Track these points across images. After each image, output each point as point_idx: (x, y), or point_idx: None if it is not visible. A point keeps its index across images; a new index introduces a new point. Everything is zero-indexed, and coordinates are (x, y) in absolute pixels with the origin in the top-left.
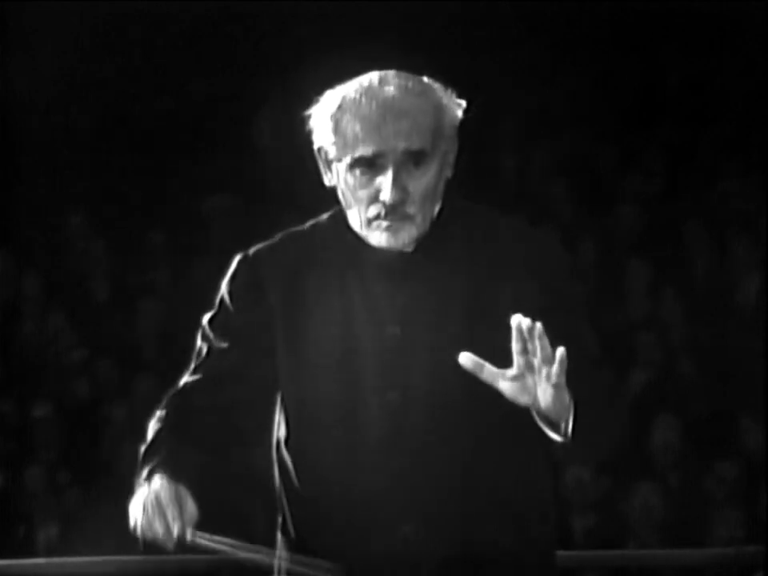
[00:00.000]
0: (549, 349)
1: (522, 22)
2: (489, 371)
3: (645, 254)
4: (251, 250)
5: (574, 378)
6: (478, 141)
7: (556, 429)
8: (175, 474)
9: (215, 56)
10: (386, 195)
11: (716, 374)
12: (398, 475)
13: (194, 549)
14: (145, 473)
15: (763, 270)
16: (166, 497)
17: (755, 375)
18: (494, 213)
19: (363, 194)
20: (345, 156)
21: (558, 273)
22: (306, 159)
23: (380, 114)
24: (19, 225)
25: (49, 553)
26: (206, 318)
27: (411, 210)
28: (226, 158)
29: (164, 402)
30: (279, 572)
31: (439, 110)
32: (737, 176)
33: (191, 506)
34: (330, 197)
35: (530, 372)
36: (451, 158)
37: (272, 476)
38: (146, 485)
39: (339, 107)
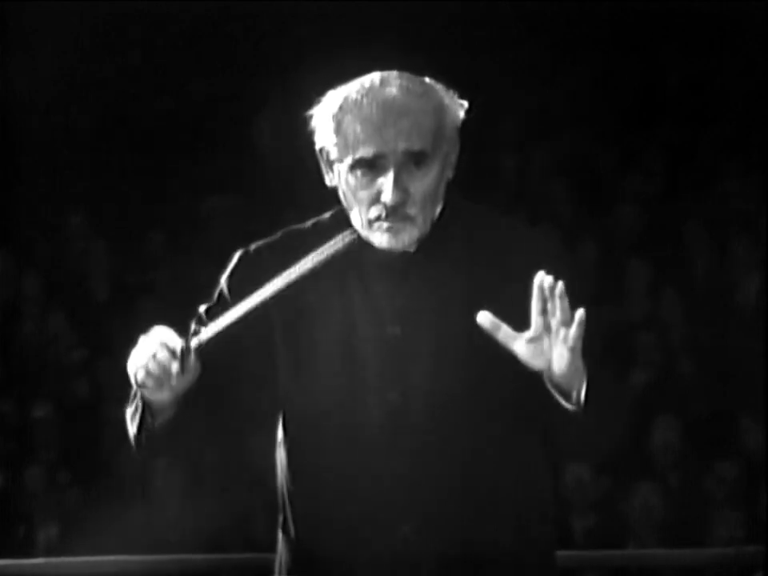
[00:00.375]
0: (568, 310)
1: (521, 22)
2: (505, 332)
3: (645, 253)
4: (252, 246)
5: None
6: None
7: (568, 397)
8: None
9: (215, 56)
10: (387, 197)
11: (716, 374)
12: (398, 475)
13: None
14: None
15: (763, 270)
16: (159, 331)
17: (755, 375)
18: (494, 213)
19: (364, 195)
20: (346, 157)
21: (558, 273)
22: (306, 159)
23: (381, 116)
24: (19, 225)
25: (49, 553)
26: (202, 307)
27: (412, 211)
28: (226, 158)
29: None
30: (280, 572)
31: (440, 110)
32: (737, 176)
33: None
34: (330, 197)
35: (547, 334)
36: (453, 158)
37: (272, 475)
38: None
39: (341, 108)
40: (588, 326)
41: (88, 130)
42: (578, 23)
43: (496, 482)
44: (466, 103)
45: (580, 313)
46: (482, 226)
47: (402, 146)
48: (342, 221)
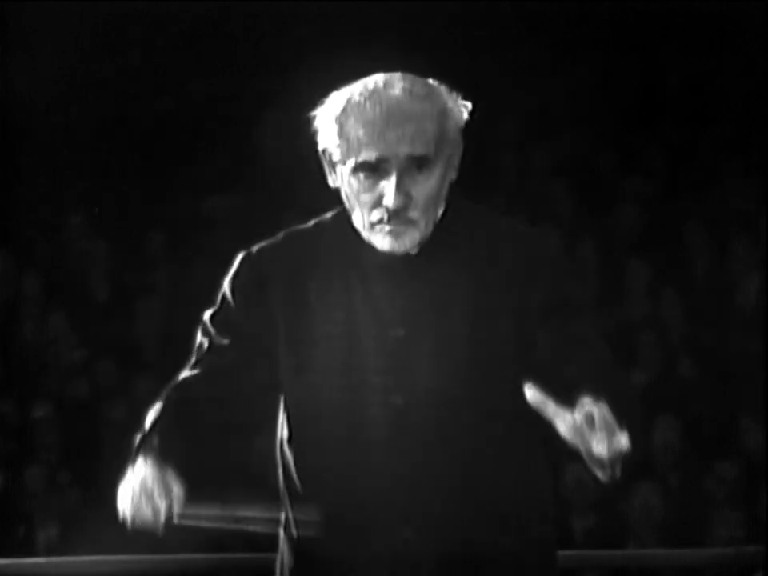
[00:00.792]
0: (614, 426)
1: (521, 22)
2: (553, 409)
3: (645, 254)
4: (254, 248)
5: (586, 379)
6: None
7: (603, 471)
8: (164, 457)
9: (215, 56)
10: (389, 200)
11: (716, 375)
12: (400, 476)
13: (184, 529)
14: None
15: (763, 270)
16: (152, 479)
17: (755, 375)
18: (494, 213)
19: (366, 198)
20: (348, 159)
21: (559, 273)
22: (306, 159)
23: (384, 119)
24: (19, 225)
25: (49, 553)
26: (207, 313)
27: (414, 214)
28: (226, 158)
29: (163, 395)
30: (281, 572)
31: (444, 113)
32: (737, 176)
33: (177, 489)
34: (331, 197)
35: (590, 426)
36: (456, 160)
37: (274, 476)
38: (133, 469)
39: (344, 110)
40: (588, 326)
41: (88, 129)
42: (577, 23)
43: (496, 483)
44: (469, 105)
45: (622, 442)
46: (483, 226)
47: (404, 150)
48: (344, 221)
